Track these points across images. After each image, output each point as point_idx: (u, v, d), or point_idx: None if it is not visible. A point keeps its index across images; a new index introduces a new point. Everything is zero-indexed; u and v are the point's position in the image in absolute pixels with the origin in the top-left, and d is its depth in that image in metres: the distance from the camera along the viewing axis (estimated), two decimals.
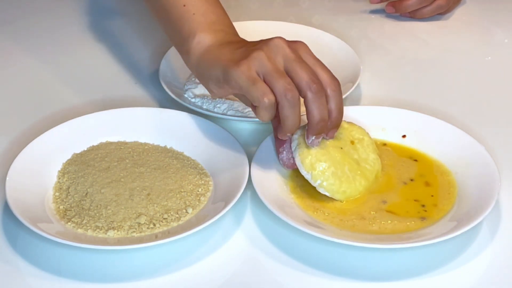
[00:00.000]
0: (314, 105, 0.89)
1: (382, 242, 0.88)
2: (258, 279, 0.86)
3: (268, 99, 0.88)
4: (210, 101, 1.09)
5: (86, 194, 0.94)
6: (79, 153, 1.01)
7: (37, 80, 1.20)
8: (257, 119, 1.05)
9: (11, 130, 1.07)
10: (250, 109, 1.07)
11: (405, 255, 0.88)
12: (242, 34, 1.23)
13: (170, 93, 1.08)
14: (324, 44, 1.21)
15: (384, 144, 1.01)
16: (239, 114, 1.07)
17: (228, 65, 0.92)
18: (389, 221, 0.91)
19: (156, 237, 0.88)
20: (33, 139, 0.99)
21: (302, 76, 0.89)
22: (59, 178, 0.97)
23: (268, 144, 0.99)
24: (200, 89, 1.12)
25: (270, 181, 0.95)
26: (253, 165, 0.95)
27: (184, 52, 1.01)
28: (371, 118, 1.04)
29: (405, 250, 0.88)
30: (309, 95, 0.89)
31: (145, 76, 1.19)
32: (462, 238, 0.89)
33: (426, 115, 1.03)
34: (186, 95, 1.11)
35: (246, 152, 0.97)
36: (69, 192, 0.94)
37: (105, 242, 0.87)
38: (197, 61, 0.98)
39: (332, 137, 0.94)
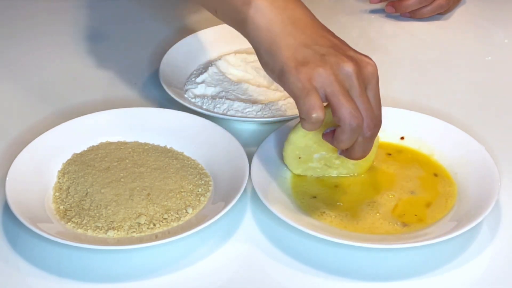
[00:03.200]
0: (363, 144, 0.87)
1: (382, 242, 0.88)
2: (258, 279, 0.86)
3: (317, 114, 0.85)
4: (210, 101, 1.09)
5: (86, 194, 0.94)
6: (79, 153, 1.01)
7: (37, 80, 1.20)
8: (257, 119, 1.06)
9: (11, 130, 1.07)
10: (250, 109, 1.08)
11: (405, 255, 0.88)
12: None
13: (170, 93, 1.08)
14: None
15: (387, 153, 1.01)
16: (239, 114, 1.07)
17: (289, 65, 0.86)
18: (389, 222, 0.91)
19: (156, 237, 0.88)
20: (33, 139, 0.99)
21: (361, 111, 0.86)
22: (59, 178, 0.97)
23: (268, 144, 0.99)
24: (200, 89, 1.12)
25: (270, 181, 0.95)
26: (253, 165, 0.95)
27: (240, 21, 0.92)
28: None
29: (405, 250, 0.88)
30: (365, 135, 0.86)
31: (145, 76, 1.19)
32: (462, 238, 0.89)
33: (426, 115, 1.03)
34: (186, 95, 1.11)
35: (246, 152, 0.97)
36: (69, 192, 0.94)
37: (105, 242, 0.87)
38: (255, 37, 0.91)
39: None
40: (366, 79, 0.87)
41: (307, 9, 0.91)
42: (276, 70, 0.88)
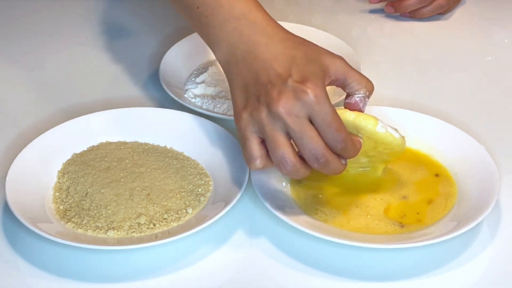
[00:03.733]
0: (323, 171, 0.86)
1: (382, 242, 0.88)
2: (258, 279, 0.86)
3: (253, 165, 0.86)
4: (210, 101, 1.09)
5: (86, 194, 0.94)
6: (79, 153, 1.01)
7: (37, 80, 1.20)
8: None
9: (11, 130, 1.07)
10: None
11: (405, 255, 0.88)
12: None
13: (170, 93, 1.08)
14: (324, 44, 1.21)
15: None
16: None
17: (235, 110, 0.87)
18: (389, 223, 0.91)
19: (156, 237, 0.88)
20: (33, 139, 0.98)
21: (304, 151, 0.84)
22: (59, 178, 0.97)
23: None
24: (200, 89, 1.12)
25: (270, 181, 0.95)
26: None
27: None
28: None
29: (405, 250, 0.88)
30: (316, 166, 0.85)
31: (145, 76, 1.19)
32: (462, 238, 0.89)
33: (426, 115, 1.03)
34: (186, 95, 1.11)
35: None
36: (69, 192, 0.94)
37: (105, 242, 0.87)
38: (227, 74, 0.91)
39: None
40: (305, 110, 0.83)
41: (266, 31, 0.89)
42: (233, 111, 0.89)
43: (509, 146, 1.05)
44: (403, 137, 0.92)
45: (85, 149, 1.01)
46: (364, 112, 0.90)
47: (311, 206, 0.93)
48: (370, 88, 0.90)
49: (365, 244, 0.86)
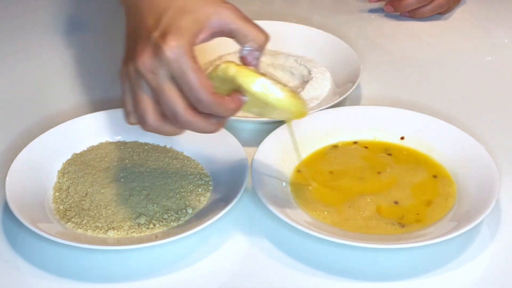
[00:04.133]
0: (193, 130, 0.83)
1: (382, 242, 0.88)
2: (258, 279, 0.86)
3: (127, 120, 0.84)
4: None
5: (86, 194, 0.94)
6: (79, 153, 1.01)
7: (37, 80, 1.20)
8: (257, 119, 1.06)
9: (11, 130, 1.07)
10: None
11: (405, 255, 0.88)
12: None
13: None
14: (324, 44, 1.21)
15: (387, 152, 1.01)
16: (239, 114, 1.07)
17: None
18: (388, 223, 0.91)
19: (155, 237, 0.88)
20: (33, 139, 0.98)
21: (164, 109, 0.81)
22: (59, 178, 0.97)
23: (268, 144, 0.99)
24: None
25: (270, 181, 0.95)
26: (253, 165, 0.95)
27: None
28: (371, 118, 1.04)
29: (405, 250, 0.88)
30: (177, 126, 0.83)
31: None
32: (462, 238, 0.89)
33: (426, 115, 1.03)
34: None
35: (246, 152, 0.97)
36: (69, 192, 0.94)
37: (104, 242, 0.87)
38: None
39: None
40: (163, 67, 0.80)
41: None
42: None
43: (509, 146, 1.05)
44: (295, 97, 0.83)
45: (85, 149, 1.01)
46: (260, 67, 0.84)
47: (311, 206, 0.93)
48: (259, 40, 0.83)
49: (365, 244, 0.86)
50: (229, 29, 0.83)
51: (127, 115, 0.84)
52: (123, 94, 0.84)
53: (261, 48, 0.84)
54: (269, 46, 1.21)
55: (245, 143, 0.99)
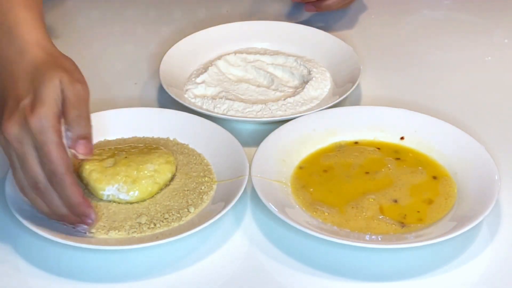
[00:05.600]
0: (45, 202, 0.85)
1: (382, 242, 0.88)
2: (258, 279, 0.86)
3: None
4: (210, 101, 1.09)
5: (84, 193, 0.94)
6: None
7: None
8: (257, 119, 1.06)
9: None
10: (250, 109, 1.08)
11: (405, 255, 0.88)
12: (245, 35, 1.23)
13: (170, 93, 1.08)
14: (324, 44, 1.21)
15: (378, 149, 1.01)
16: (239, 114, 1.07)
17: None
18: (389, 222, 0.91)
19: (156, 238, 0.88)
20: None
21: (26, 177, 0.83)
22: None
23: (268, 144, 0.99)
24: (200, 89, 1.12)
25: (270, 181, 0.95)
26: (253, 165, 0.95)
27: None
28: (371, 118, 1.04)
29: (405, 250, 0.88)
30: (35, 193, 0.84)
31: (145, 76, 1.19)
32: (462, 238, 0.89)
33: (426, 115, 1.03)
34: (186, 95, 1.11)
35: (246, 152, 0.97)
36: None
37: (105, 242, 0.87)
38: None
39: (87, 224, 0.87)
40: (28, 137, 0.82)
41: (27, 47, 0.87)
42: None
43: (509, 146, 1.05)
44: (144, 191, 0.92)
45: None
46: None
47: (311, 206, 0.93)
48: (72, 123, 0.84)
49: (365, 244, 0.86)
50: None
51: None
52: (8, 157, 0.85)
53: (80, 139, 0.85)
54: (269, 46, 1.23)
55: (245, 143, 0.99)
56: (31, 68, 0.85)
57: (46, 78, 0.84)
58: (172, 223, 0.90)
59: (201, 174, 0.97)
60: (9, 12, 0.88)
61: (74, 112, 0.84)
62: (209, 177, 0.96)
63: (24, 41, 0.87)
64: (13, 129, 0.82)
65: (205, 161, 0.99)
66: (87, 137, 0.85)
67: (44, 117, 0.82)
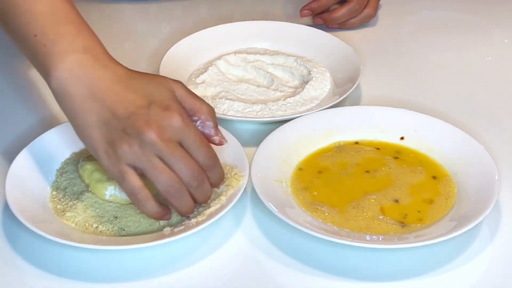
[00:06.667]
0: (198, 195, 0.86)
1: (382, 242, 0.88)
2: (258, 279, 0.86)
3: (141, 196, 0.84)
4: (210, 101, 1.09)
5: (82, 192, 0.94)
6: (78, 152, 1.00)
7: (37, 80, 1.19)
8: (257, 119, 1.06)
9: (11, 130, 1.07)
10: (250, 109, 1.08)
11: (405, 255, 0.88)
12: (245, 35, 1.23)
13: None
14: (324, 44, 1.21)
15: (378, 149, 1.01)
16: (239, 114, 1.07)
17: (99, 150, 0.84)
18: (389, 222, 0.91)
19: (156, 238, 0.87)
20: (33, 139, 0.98)
21: (181, 173, 0.84)
22: (57, 177, 0.97)
23: (268, 144, 0.99)
24: (200, 89, 1.12)
25: (270, 181, 0.95)
26: (253, 165, 0.95)
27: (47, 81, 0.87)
28: (371, 118, 1.04)
29: (405, 250, 0.88)
30: (191, 189, 0.85)
31: None
32: (462, 238, 0.89)
33: (426, 115, 1.03)
34: None
35: (246, 152, 0.97)
36: (66, 192, 0.94)
37: (104, 242, 0.87)
38: (62, 109, 0.86)
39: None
40: (176, 135, 0.83)
41: (110, 66, 0.86)
42: (92, 151, 0.86)
43: (509, 146, 1.05)
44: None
45: (84, 148, 1.01)
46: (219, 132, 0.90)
47: (311, 206, 0.93)
48: (205, 112, 0.87)
49: (365, 244, 0.86)
50: (184, 102, 0.87)
51: (138, 191, 0.84)
52: (124, 174, 0.83)
53: (210, 118, 0.88)
54: (269, 46, 1.23)
55: (245, 143, 0.99)
56: (130, 80, 0.85)
57: (156, 83, 0.85)
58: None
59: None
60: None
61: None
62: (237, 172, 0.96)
63: (106, 60, 0.86)
64: (159, 130, 0.82)
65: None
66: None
67: (184, 112, 0.84)
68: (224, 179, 0.91)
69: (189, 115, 0.86)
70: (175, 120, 0.83)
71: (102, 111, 0.84)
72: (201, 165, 0.85)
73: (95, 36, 0.89)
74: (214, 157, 0.87)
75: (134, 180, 0.83)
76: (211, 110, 0.88)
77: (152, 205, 0.85)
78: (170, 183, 0.84)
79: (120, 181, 0.84)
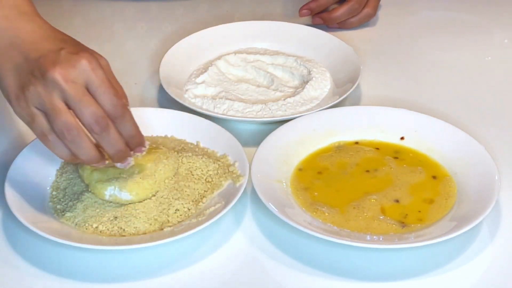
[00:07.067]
0: (104, 143, 0.84)
1: (382, 242, 0.88)
2: (258, 279, 0.86)
3: (48, 139, 0.83)
4: (210, 101, 1.09)
5: (82, 192, 0.94)
6: None
7: None
8: (257, 119, 1.06)
9: (11, 130, 1.07)
10: (250, 109, 1.08)
11: (405, 255, 0.88)
12: (245, 35, 1.23)
13: (170, 93, 1.08)
14: (324, 44, 1.21)
15: (377, 149, 1.01)
16: (239, 114, 1.07)
17: (11, 95, 0.84)
18: (389, 222, 0.91)
19: (156, 238, 0.87)
20: (33, 139, 0.98)
21: (83, 116, 0.82)
22: (57, 177, 0.97)
23: (268, 144, 0.99)
24: (200, 89, 1.12)
25: (270, 181, 0.95)
26: (253, 165, 0.95)
27: None
28: (371, 118, 1.04)
29: (405, 250, 0.88)
30: (95, 136, 0.83)
31: (145, 76, 1.19)
32: (462, 238, 0.89)
33: (426, 115, 1.03)
34: (186, 95, 1.11)
35: (246, 152, 0.97)
36: (66, 192, 0.94)
37: (104, 242, 0.87)
38: None
39: (141, 152, 0.88)
40: (81, 78, 0.82)
41: (35, 20, 0.87)
42: (7, 99, 0.85)
43: (509, 146, 1.05)
44: (144, 188, 0.92)
45: None
46: None
47: (311, 206, 0.93)
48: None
49: (365, 244, 0.86)
50: None
51: (45, 134, 0.83)
52: (33, 117, 0.83)
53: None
54: (269, 46, 1.23)
55: (245, 143, 0.99)
56: (52, 32, 0.85)
57: (76, 42, 0.85)
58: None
59: (204, 184, 0.96)
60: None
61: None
62: (208, 186, 0.96)
63: (33, 15, 0.87)
64: (64, 70, 0.81)
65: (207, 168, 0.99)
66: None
67: (96, 59, 0.83)
68: (143, 143, 0.88)
69: (100, 65, 0.84)
70: (83, 63, 0.82)
71: (17, 57, 0.84)
72: (108, 113, 0.83)
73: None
74: (122, 107, 0.84)
75: (43, 122, 0.82)
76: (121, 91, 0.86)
77: (62, 148, 0.84)
78: (68, 127, 0.82)
79: (29, 125, 0.84)
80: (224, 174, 0.96)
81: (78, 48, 0.84)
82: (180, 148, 1.00)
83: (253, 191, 0.93)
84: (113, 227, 0.89)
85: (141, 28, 1.32)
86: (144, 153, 0.88)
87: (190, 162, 0.97)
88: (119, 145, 0.85)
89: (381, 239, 0.89)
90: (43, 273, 0.86)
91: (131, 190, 0.91)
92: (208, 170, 0.96)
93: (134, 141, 0.87)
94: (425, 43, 1.29)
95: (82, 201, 0.92)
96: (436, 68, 1.23)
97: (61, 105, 0.82)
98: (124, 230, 0.89)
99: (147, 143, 0.88)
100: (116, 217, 0.90)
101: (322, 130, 1.03)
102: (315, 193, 0.95)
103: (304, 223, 0.89)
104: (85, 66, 0.82)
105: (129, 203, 0.91)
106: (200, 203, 0.93)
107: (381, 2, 1.36)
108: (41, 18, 0.88)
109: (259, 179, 0.93)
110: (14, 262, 0.88)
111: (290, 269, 0.87)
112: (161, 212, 0.91)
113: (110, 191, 0.91)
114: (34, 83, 0.82)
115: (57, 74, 0.81)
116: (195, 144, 1.01)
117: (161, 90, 1.12)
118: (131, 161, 0.88)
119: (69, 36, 0.87)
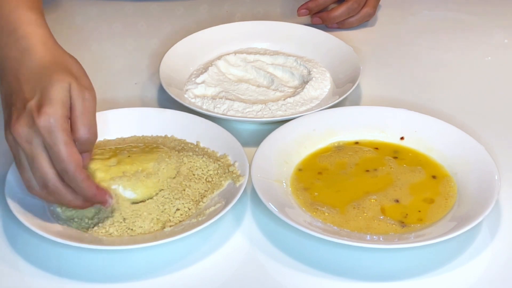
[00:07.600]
0: (57, 199, 0.85)
1: (382, 242, 0.88)
2: (258, 279, 0.86)
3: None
4: (210, 101, 1.09)
5: None
6: None
7: None
8: (257, 119, 1.06)
9: None
10: (250, 109, 1.08)
11: (405, 255, 0.88)
12: (245, 35, 1.23)
13: (170, 93, 1.08)
14: (324, 44, 1.21)
15: (376, 149, 1.01)
16: (239, 114, 1.07)
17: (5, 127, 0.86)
18: (389, 222, 0.91)
19: (156, 237, 0.88)
20: None
21: (36, 177, 0.84)
22: None
23: (268, 144, 0.99)
24: (200, 89, 1.12)
25: (270, 181, 0.95)
26: (253, 165, 0.95)
27: None
28: (371, 118, 1.04)
29: (405, 250, 0.88)
30: (44, 193, 0.85)
31: (145, 76, 1.19)
32: (462, 238, 0.89)
33: (425, 115, 1.03)
34: (186, 95, 1.11)
35: (246, 152, 0.97)
36: None
37: (105, 242, 0.87)
38: None
39: (105, 206, 0.88)
40: (36, 136, 0.83)
41: (28, 49, 0.87)
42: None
43: (509, 146, 1.05)
44: (148, 186, 0.92)
45: None
46: None
47: (311, 206, 0.93)
48: (80, 143, 0.85)
49: (365, 244, 0.86)
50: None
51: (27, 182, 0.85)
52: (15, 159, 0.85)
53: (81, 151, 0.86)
54: (269, 46, 1.23)
55: (245, 143, 0.99)
56: (38, 68, 0.85)
57: (54, 79, 0.84)
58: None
59: (204, 183, 0.96)
60: (12, 12, 0.89)
61: (82, 122, 0.84)
62: (208, 186, 0.96)
63: (29, 41, 0.87)
64: (21, 129, 0.82)
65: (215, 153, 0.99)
66: (89, 150, 0.87)
67: (53, 117, 0.82)
68: (105, 201, 0.87)
69: (67, 119, 0.83)
70: (38, 124, 0.82)
71: (5, 93, 0.86)
72: (60, 174, 0.83)
73: (37, 11, 0.90)
74: (73, 172, 0.83)
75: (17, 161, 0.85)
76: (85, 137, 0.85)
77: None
78: (26, 184, 0.85)
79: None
80: (224, 174, 0.96)
81: (47, 98, 0.83)
82: (180, 148, 1.00)
83: (253, 191, 0.93)
84: (113, 227, 0.89)
85: (141, 28, 1.32)
86: (110, 206, 0.88)
87: (191, 161, 0.97)
88: (75, 203, 0.86)
89: (381, 239, 0.89)
90: (43, 273, 0.86)
91: (135, 189, 0.91)
92: (208, 170, 0.96)
93: (94, 200, 0.86)
94: (425, 43, 1.29)
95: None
96: (436, 68, 1.23)
97: (23, 160, 0.84)
98: (132, 230, 0.89)
99: (110, 199, 0.87)
100: (125, 219, 0.90)
101: (322, 130, 1.03)
102: (315, 193, 0.95)
103: (304, 223, 0.89)
104: (39, 128, 0.82)
105: (133, 202, 0.91)
106: (201, 203, 0.93)
107: (381, 2, 1.36)
108: (42, 41, 0.88)
109: (259, 179, 0.93)
110: (14, 262, 0.88)
111: (290, 269, 0.87)
112: (162, 211, 0.91)
113: (114, 191, 0.91)
114: (5, 131, 0.85)
115: (15, 133, 0.83)
116: (195, 144, 1.01)
117: (161, 90, 1.12)
118: (110, 202, 0.88)
119: (59, 69, 0.85)
